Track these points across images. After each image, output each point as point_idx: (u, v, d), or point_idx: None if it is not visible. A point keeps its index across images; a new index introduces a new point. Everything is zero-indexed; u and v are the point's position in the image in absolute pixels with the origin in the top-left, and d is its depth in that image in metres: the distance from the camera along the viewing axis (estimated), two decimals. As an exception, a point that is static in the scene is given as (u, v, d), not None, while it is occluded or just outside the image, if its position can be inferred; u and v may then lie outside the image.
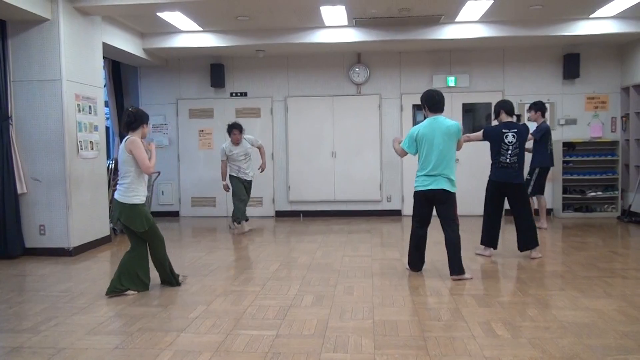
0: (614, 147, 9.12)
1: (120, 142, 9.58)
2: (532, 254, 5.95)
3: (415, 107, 9.69)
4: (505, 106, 5.90)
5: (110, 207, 7.55)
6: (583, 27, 8.13)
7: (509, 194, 5.87)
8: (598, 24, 8.09)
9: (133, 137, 4.59)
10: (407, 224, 8.73)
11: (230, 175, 7.98)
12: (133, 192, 4.58)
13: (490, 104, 9.37)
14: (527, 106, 9.32)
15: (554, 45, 9.16)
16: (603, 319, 3.88)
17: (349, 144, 9.65)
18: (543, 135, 7.60)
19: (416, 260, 5.42)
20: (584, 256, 6.07)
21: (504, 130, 5.74)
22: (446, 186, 5.08)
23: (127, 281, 4.68)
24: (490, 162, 5.93)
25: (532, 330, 3.67)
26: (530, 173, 7.66)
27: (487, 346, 3.41)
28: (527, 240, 5.90)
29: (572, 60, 9.14)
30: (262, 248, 6.97)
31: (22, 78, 6.42)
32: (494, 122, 6.12)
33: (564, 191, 9.15)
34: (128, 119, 4.66)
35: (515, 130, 5.73)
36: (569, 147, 9.16)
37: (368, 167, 9.65)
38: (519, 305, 4.25)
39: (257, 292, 4.79)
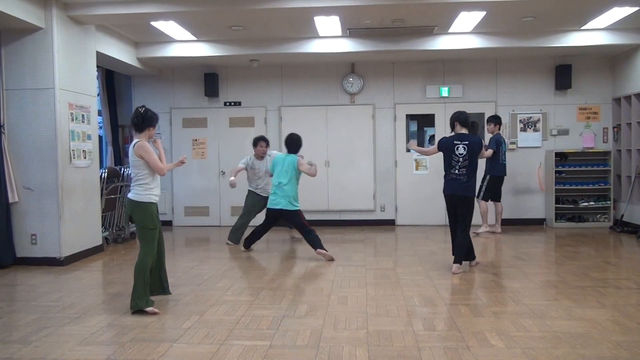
0: (606, 157, 9.18)
1: (114, 151, 9.63)
2: (470, 264, 5.97)
3: (409, 117, 9.75)
4: (459, 117, 5.83)
5: (102, 214, 7.52)
6: (575, 39, 8.21)
7: (457, 205, 5.78)
8: (590, 36, 8.17)
9: (141, 142, 4.44)
10: (401, 234, 8.76)
11: (248, 190, 7.75)
12: (147, 192, 4.48)
13: (483, 114, 9.43)
14: (518, 116, 9.44)
15: (546, 56, 9.24)
16: (597, 329, 3.88)
17: (342, 154, 9.66)
18: (496, 145, 8.24)
19: (251, 242, 7.16)
20: (577, 266, 6.08)
21: (455, 142, 5.72)
22: (286, 206, 6.67)
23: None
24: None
25: (527, 340, 3.67)
26: (482, 180, 8.35)
27: (482, 356, 3.40)
28: (458, 251, 5.77)
29: (564, 71, 9.22)
30: (256, 257, 6.93)
31: (15, 86, 6.39)
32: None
33: (557, 201, 9.19)
34: (136, 119, 4.49)
35: (467, 142, 5.69)
36: (561, 157, 9.22)
37: (362, 176, 9.66)
38: (513, 315, 4.24)
39: (251, 301, 4.76)
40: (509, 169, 9.39)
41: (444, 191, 5.86)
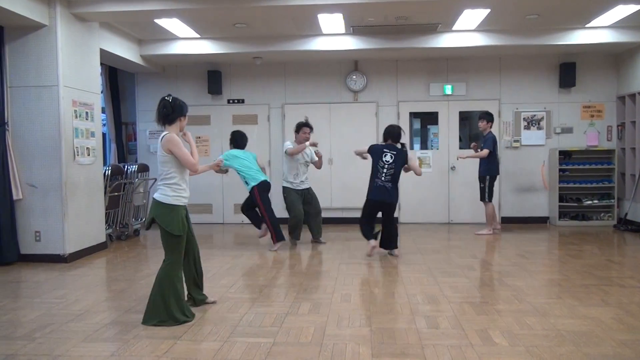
0: (610, 155, 9.16)
1: (117, 148, 9.64)
2: (394, 252, 6.62)
3: (412, 115, 9.73)
4: (392, 133, 6.47)
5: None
6: (579, 37, 8.18)
7: (383, 210, 6.47)
8: (594, 34, 8.14)
9: (169, 135, 4.02)
10: (404, 232, 8.74)
11: (285, 187, 7.35)
12: (176, 193, 4.07)
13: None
14: (522, 114, 9.42)
15: (550, 54, 9.21)
16: (601, 328, 3.88)
17: (345, 151, 9.63)
18: (493, 144, 8.14)
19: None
20: (581, 264, 6.07)
21: (384, 150, 6.33)
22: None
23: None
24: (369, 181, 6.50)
25: (530, 339, 3.66)
26: (482, 181, 8.25)
27: (485, 354, 3.39)
28: (392, 243, 6.60)
29: (568, 69, 9.19)
30: (259, 255, 6.93)
31: (19, 84, 6.40)
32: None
33: (561, 199, 9.17)
34: (165, 110, 4.06)
35: (394, 152, 6.30)
36: (565, 155, 9.20)
37: (365, 174, 9.49)
38: (517, 313, 4.24)
39: (254, 299, 4.77)
40: (512, 167, 9.41)
41: (372, 197, 6.42)
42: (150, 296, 4.14)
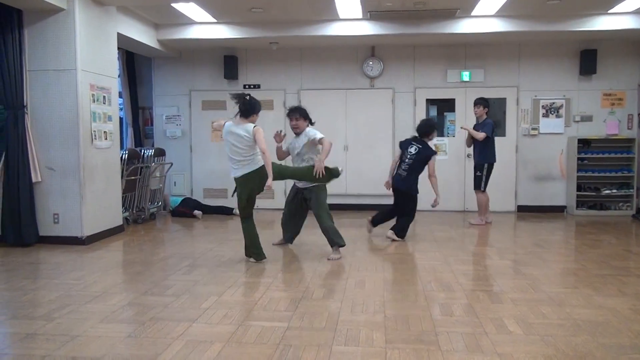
0: (630, 144, 9.01)
1: (134, 133, 9.69)
2: (388, 233, 6.88)
3: (429, 102, 9.65)
4: (419, 128, 6.93)
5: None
6: (601, 23, 8.02)
7: (397, 196, 6.96)
8: (616, 20, 7.97)
9: (258, 127, 5.27)
10: (419, 219, 8.70)
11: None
12: (258, 158, 5.32)
13: (505, 99, 9.32)
14: (541, 102, 9.28)
15: (571, 40, 9.05)
16: (617, 318, 3.84)
17: (361, 138, 9.62)
18: (492, 130, 7.81)
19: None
20: (598, 254, 6.01)
21: (412, 142, 6.80)
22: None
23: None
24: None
25: (545, 328, 3.64)
26: (480, 169, 7.90)
27: (500, 342, 3.38)
28: (396, 230, 6.88)
29: (589, 56, 9.03)
30: (273, 240, 6.95)
31: (38, 67, 6.45)
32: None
33: (579, 188, 9.06)
34: (244, 107, 5.32)
35: (420, 146, 6.71)
36: (584, 144, 9.07)
37: (380, 161, 9.59)
38: (532, 302, 4.21)
39: (269, 283, 4.80)
40: (530, 156, 9.32)
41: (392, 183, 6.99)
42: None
